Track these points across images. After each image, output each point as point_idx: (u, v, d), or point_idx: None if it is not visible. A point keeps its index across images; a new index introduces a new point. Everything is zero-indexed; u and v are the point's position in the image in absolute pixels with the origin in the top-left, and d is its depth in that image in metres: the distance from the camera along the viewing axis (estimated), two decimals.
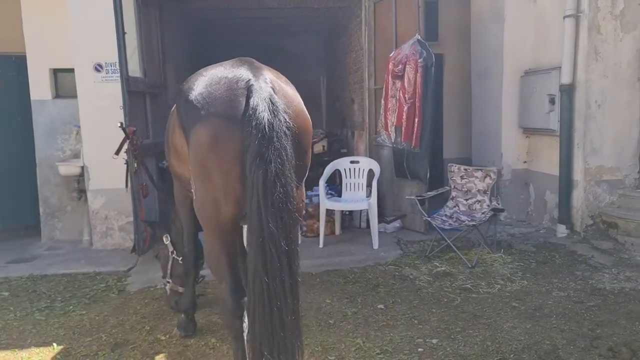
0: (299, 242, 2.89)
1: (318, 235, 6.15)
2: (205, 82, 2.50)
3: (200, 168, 2.45)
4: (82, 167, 6.17)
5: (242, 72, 2.45)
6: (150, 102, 6.12)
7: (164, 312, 4.23)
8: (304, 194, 2.75)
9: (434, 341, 3.55)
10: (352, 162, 6.32)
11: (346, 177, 6.28)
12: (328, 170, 6.21)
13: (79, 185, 6.42)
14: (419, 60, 5.53)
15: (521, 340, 3.52)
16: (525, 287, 4.49)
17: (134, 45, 5.81)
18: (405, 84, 5.67)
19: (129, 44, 5.56)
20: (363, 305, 4.23)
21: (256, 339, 2.32)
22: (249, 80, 2.39)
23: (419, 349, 3.45)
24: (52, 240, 6.56)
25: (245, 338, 2.63)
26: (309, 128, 2.59)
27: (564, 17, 5.51)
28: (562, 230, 5.83)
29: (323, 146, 7.98)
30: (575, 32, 5.44)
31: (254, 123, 2.25)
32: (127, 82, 5.32)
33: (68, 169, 6.28)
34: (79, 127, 6.16)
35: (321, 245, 5.86)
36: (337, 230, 6.34)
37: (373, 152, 6.93)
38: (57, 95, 6.50)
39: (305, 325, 3.87)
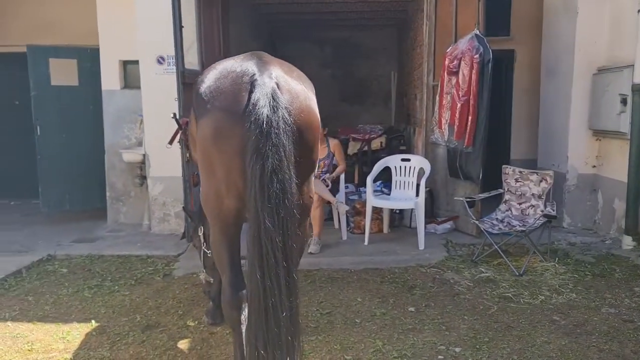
0: (308, 238, 2.86)
1: (363, 232, 6.08)
2: (214, 75, 2.54)
3: (204, 160, 2.49)
4: (144, 155, 6.49)
5: (249, 67, 2.45)
6: None
7: (200, 299, 4.36)
8: (312, 190, 2.71)
9: (457, 350, 3.40)
10: (403, 159, 6.18)
11: (396, 175, 6.15)
12: (377, 167, 6.10)
13: (141, 172, 6.76)
14: (475, 56, 5.29)
15: (552, 357, 3.29)
16: (572, 300, 4.19)
17: (193, 38, 6.01)
18: (460, 81, 5.46)
19: (188, 38, 5.76)
20: (394, 307, 4.14)
21: (252, 332, 2.33)
22: (254, 74, 2.39)
23: (439, 357, 3.32)
24: (116, 223, 6.96)
25: (243, 330, 2.64)
26: (313, 125, 2.55)
27: (639, 11, 5.04)
28: (628, 242, 5.38)
29: (381, 142, 7.85)
30: None
31: (252, 118, 2.25)
32: (182, 75, 5.51)
33: (131, 156, 6.63)
34: (143, 116, 6.48)
35: (366, 243, 5.79)
36: (385, 229, 6.23)
37: (429, 150, 6.74)
38: (126, 85, 6.87)
39: (330, 322, 3.87)
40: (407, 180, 6.05)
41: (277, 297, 2.26)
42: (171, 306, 4.27)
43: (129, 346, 3.55)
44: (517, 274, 4.77)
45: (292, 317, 2.33)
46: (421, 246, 5.57)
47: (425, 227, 6.22)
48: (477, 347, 3.43)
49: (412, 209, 6.31)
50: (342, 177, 6.06)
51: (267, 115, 2.24)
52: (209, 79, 2.54)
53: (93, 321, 3.96)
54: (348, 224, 6.28)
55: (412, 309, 4.09)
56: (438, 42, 6.52)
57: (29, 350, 3.50)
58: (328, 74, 13.53)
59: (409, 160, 6.13)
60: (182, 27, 5.53)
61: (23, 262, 5.31)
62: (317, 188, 5.58)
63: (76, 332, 3.80)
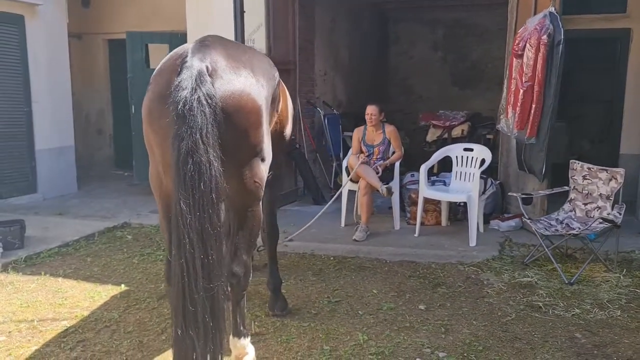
0: (258, 225, 2.81)
1: (422, 224, 5.84)
2: (164, 59, 2.62)
3: (145, 141, 2.60)
4: None
5: (187, 49, 2.49)
6: None
7: None
8: (257, 175, 2.66)
9: (441, 355, 3.17)
10: (465, 149, 5.78)
11: (457, 165, 5.78)
12: (436, 156, 5.80)
13: None
14: (543, 37, 4.73)
15: None
16: (612, 318, 3.64)
17: (260, 21, 6.16)
18: (524, 64, 4.93)
19: (253, 22, 5.93)
20: (405, 303, 3.95)
21: (172, 311, 2.42)
22: (186, 57, 2.42)
23: (417, 359, 3.12)
24: None
25: None
26: (245, 109, 2.50)
27: None
28: None
29: (462, 130, 7.38)
30: None
31: (171, 100, 2.30)
32: None
33: None
34: None
35: (416, 235, 5.56)
36: (444, 222, 5.92)
37: (504, 140, 6.23)
38: None
39: (332, 311, 3.83)
40: (468, 172, 5.66)
41: (192, 277, 2.29)
42: None
43: (140, 311, 3.84)
44: (567, 282, 4.27)
45: (211, 299, 2.35)
46: (472, 243, 5.21)
47: (488, 223, 5.86)
48: (465, 355, 3.16)
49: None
50: (397, 164, 5.84)
51: (185, 97, 2.27)
52: (160, 63, 2.62)
53: (123, 285, 4.33)
54: (405, 214, 6.08)
55: (422, 307, 3.87)
56: (519, 22, 5.94)
57: (60, 305, 3.95)
58: (439, 57, 13.01)
59: (471, 150, 5.72)
60: (244, 12, 5.70)
61: (100, 227, 5.95)
62: (364, 173, 5.48)
63: (105, 293, 4.19)
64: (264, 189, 2.76)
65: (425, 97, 13.07)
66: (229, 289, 2.80)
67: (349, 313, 3.79)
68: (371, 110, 5.71)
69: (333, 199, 5.52)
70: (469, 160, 5.70)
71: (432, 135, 7.55)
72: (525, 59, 4.92)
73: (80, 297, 4.09)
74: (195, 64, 2.37)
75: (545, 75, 4.81)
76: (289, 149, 3.72)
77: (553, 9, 4.93)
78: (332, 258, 4.99)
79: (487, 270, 4.60)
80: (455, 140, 7.40)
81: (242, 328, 2.89)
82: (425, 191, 5.50)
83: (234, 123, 2.44)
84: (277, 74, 2.89)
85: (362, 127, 5.88)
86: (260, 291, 4.09)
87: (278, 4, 6.42)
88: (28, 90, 7.06)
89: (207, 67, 2.38)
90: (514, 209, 5.99)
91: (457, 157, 5.79)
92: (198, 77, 2.32)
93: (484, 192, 5.97)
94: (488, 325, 3.55)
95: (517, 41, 5.13)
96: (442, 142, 7.54)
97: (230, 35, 6.30)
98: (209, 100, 2.30)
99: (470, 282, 4.35)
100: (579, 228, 4.49)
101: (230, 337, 2.90)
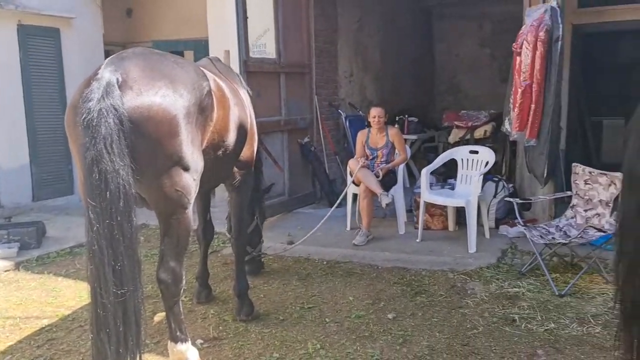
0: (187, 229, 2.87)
1: (428, 228, 5.71)
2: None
3: (70, 148, 2.75)
4: None
5: (105, 61, 2.60)
6: (285, 81, 6.51)
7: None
8: (179, 184, 2.70)
9: None
10: (471, 152, 5.57)
11: (462, 168, 5.58)
12: (440, 159, 5.64)
13: None
14: (540, 34, 4.48)
15: None
16: (589, 335, 3.40)
17: (268, 26, 6.24)
18: (522, 62, 4.68)
19: (258, 27, 6.03)
20: (376, 311, 3.89)
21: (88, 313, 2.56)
22: (98, 69, 2.53)
23: None
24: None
25: None
26: (154, 119, 2.54)
27: None
28: None
29: (485, 131, 7.07)
30: None
31: (79, 111, 2.41)
32: (246, 64, 5.81)
33: None
34: None
35: (418, 240, 5.43)
36: (451, 226, 5.73)
37: (521, 142, 5.93)
38: None
39: (300, 318, 3.84)
40: (473, 175, 5.45)
41: (102, 283, 2.40)
42: (188, 280, 4.65)
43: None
44: (558, 293, 4.04)
45: (123, 304, 2.45)
46: (471, 249, 5.02)
47: (497, 229, 5.63)
48: None
49: (489, 207, 5.69)
50: (401, 168, 5.73)
51: (89, 108, 2.38)
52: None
53: None
54: (411, 218, 5.95)
55: (391, 316, 3.78)
56: None
57: (48, 304, 4.21)
58: (487, 54, 12.55)
59: (477, 152, 5.51)
60: (247, 17, 5.80)
61: None
62: (364, 178, 5.43)
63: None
64: (190, 196, 2.82)
65: (472, 95, 12.66)
66: (161, 294, 2.91)
67: (316, 320, 3.78)
68: (376, 112, 5.64)
69: (336, 204, 5.49)
70: (474, 163, 5.50)
71: (454, 136, 7.31)
72: (523, 57, 4.68)
73: (69, 297, 4.33)
74: (105, 75, 2.47)
75: (545, 74, 4.55)
76: (249, 160, 3.76)
77: (555, 2, 4.65)
78: (324, 263, 4.98)
79: (477, 279, 4.42)
80: (478, 142, 7.13)
81: (178, 333, 2.96)
82: (426, 195, 5.36)
83: (144, 133, 2.53)
84: (206, 84, 2.93)
85: (366, 130, 5.82)
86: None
87: (288, 9, 6.46)
88: (64, 98, 7.54)
89: (117, 79, 2.48)
90: (528, 214, 5.71)
91: (462, 159, 5.60)
92: (105, 89, 2.42)
93: (495, 196, 5.74)
94: (450, 338, 3.43)
95: (518, 36, 4.88)
96: (465, 144, 7.28)
97: (234, 41, 6.46)
98: (114, 111, 2.39)
99: (453, 291, 4.20)
100: (570, 237, 4.22)
101: (168, 342, 2.99)
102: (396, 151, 5.72)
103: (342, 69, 8.18)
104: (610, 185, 4.25)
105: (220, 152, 3.19)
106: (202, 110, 2.85)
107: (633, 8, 6.80)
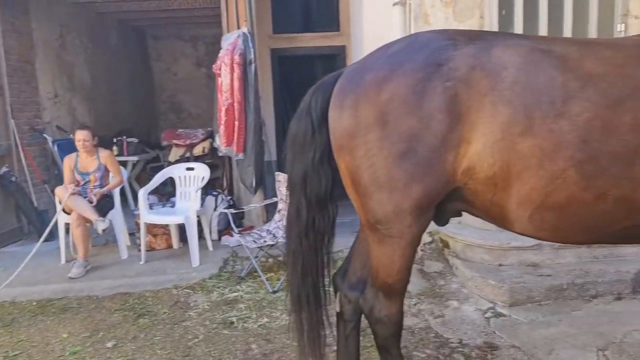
0: None
1: (152, 249, 5.65)
2: None
3: None
4: None
5: None
6: None
7: None
8: None
9: None
10: (188, 168, 5.76)
11: (181, 186, 5.72)
12: (157, 179, 5.67)
13: None
14: (236, 57, 4.91)
15: None
16: None
17: None
18: (223, 82, 5.06)
19: None
20: (94, 342, 3.69)
21: None
22: None
23: None
24: None
25: None
26: None
27: (393, 5, 4.78)
28: None
29: (204, 148, 7.39)
30: (403, 21, 4.71)
31: None
32: None
33: None
34: None
35: (142, 262, 5.33)
36: (175, 244, 5.80)
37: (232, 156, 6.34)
38: None
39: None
40: (190, 191, 5.61)
41: None
42: None
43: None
44: (271, 290, 4.45)
45: None
46: (195, 263, 5.17)
47: (220, 240, 5.90)
48: None
49: (211, 220, 5.91)
50: (117, 191, 5.58)
51: None
52: None
53: None
54: (134, 241, 5.82)
55: (110, 344, 3.65)
56: None
57: None
58: (203, 73, 12.99)
59: (193, 169, 5.71)
60: None
61: None
62: (75, 205, 5.09)
63: None
64: None
65: (194, 113, 13.02)
66: None
67: None
68: (82, 135, 5.34)
69: (43, 237, 5.01)
70: (191, 180, 5.67)
71: (175, 155, 7.39)
72: (222, 78, 5.04)
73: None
74: None
75: (244, 93, 4.98)
76: None
77: (246, 29, 5.13)
78: (34, 303, 4.50)
79: (200, 291, 4.57)
80: (198, 159, 7.35)
81: None
82: (145, 216, 5.31)
83: None
84: None
85: (73, 155, 5.46)
86: None
87: None
88: None
89: None
90: (247, 222, 6.14)
91: (179, 177, 5.72)
92: None
93: (215, 209, 6.01)
94: (172, 353, 3.48)
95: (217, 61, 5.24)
96: (186, 161, 7.43)
97: None
98: None
99: (177, 307, 4.26)
100: (277, 238, 4.72)
101: None
102: (111, 174, 5.52)
103: (44, 89, 7.49)
104: None
105: None
106: None
107: (319, 36, 7.97)
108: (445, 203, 2.13)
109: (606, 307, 3.89)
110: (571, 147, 1.85)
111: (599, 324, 3.61)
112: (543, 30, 4.69)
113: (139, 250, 5.65)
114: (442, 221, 2.32)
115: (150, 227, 5.62)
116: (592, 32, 4.71)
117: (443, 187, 2.03)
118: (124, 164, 7.49)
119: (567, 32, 4.71)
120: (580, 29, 4.67)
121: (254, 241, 4.78)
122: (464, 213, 2.28)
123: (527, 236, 2.12)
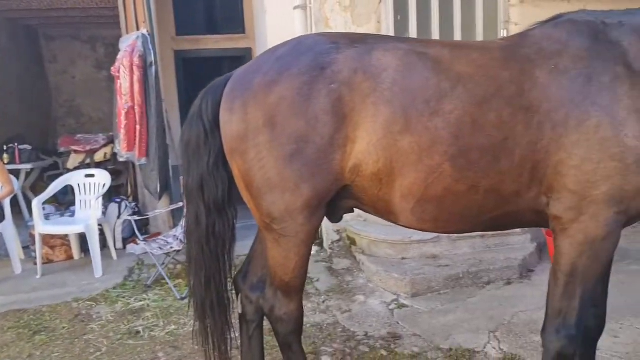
0: None
1: (50, 261, 5.35)
2: None
3: None
4: None
5: None
6: None
7: None
8: None
9: None
10: (87, 175, 5.51)
11: (80, 194, 5.46)
12: (54, 187, 5.38)
13: None
14: (135, 59, 4.77)
15: None
16: None
17: None
18: (122, 85, 4.91)
19: None
20: None
21: None
22: None
23: None
24: None
25: None
26: None
27: (294, 8, 4.87)
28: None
29: (105, 154, 7.08)
30: (305, 24, 4.81)
31: None
32: None
33: None
34: None
35: (38, 276, 5.03)
36: (76, 255, 5.52)
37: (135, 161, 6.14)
38: None
39: None
40: (92, 199, 5.38)
41: None
42: None
43: None
44: (179, 297, 4.37)
45: None
46: (97, 274, 4.96)
47: (125, 248, 5.70)
48: None
49: (114, 229, 5.69)
50: (7, 202, 5.23)
51: None
52: None
53: None
54: (30, 255, 5.48)
55: None
56: None
57: None
58: (104, 76, 12.37)
59: (93, 176, 5.47)
60: None
61: None
62: None
63: None
64: None
65: (95, 118, 12.41)
66: None
67: None
68: None
69: None
70: (91, 187, 5.43)
71: (74, 162, 7.02)
72: (122, 80, 4.88)
73: None
74: None
75: (145, 96, 4.85)
76: None
77: (146, 30, 5.00)
78: None
79: (103, 302, 4.39)
80: (100, 165, 7.04)
81: None
82: (41, 227, 5.02)
83: None
84: None
85: None
86: None
87: None
88: None
89: None
90: (153, 229, 5.97)
91: (78, 184, 5.46)
92: None
93: (119, 217, 5.80)
94: None
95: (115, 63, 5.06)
96: (86, 168, 7.09)
97: None
98: None
99: (77, 321, 4.07)
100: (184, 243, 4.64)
101: None
102: (0, 184, 5.16)
103: None
104: None
105: None
106: None
107: (224, 38, 7.92)
108: (336, 200, 2.22)
109: (497, 292, 4.20)
110: (445, 143, 2.00)
111: (490, 308, 3.90)
112: (435, 34, 4.98)
113: (35, 264, 5.34)
114: (335, 218, 2.41)
115: (48, 239, 5.32)
116: (479, 36, 5.06)
117: (332, 185, 2.12)
118: (16, 172, 7.02)
119: (457, 35, 5.04)
120: (468, 34, 5.00)
121: (160, 248, 4.67)
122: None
123: (412, 228, 2.25)
